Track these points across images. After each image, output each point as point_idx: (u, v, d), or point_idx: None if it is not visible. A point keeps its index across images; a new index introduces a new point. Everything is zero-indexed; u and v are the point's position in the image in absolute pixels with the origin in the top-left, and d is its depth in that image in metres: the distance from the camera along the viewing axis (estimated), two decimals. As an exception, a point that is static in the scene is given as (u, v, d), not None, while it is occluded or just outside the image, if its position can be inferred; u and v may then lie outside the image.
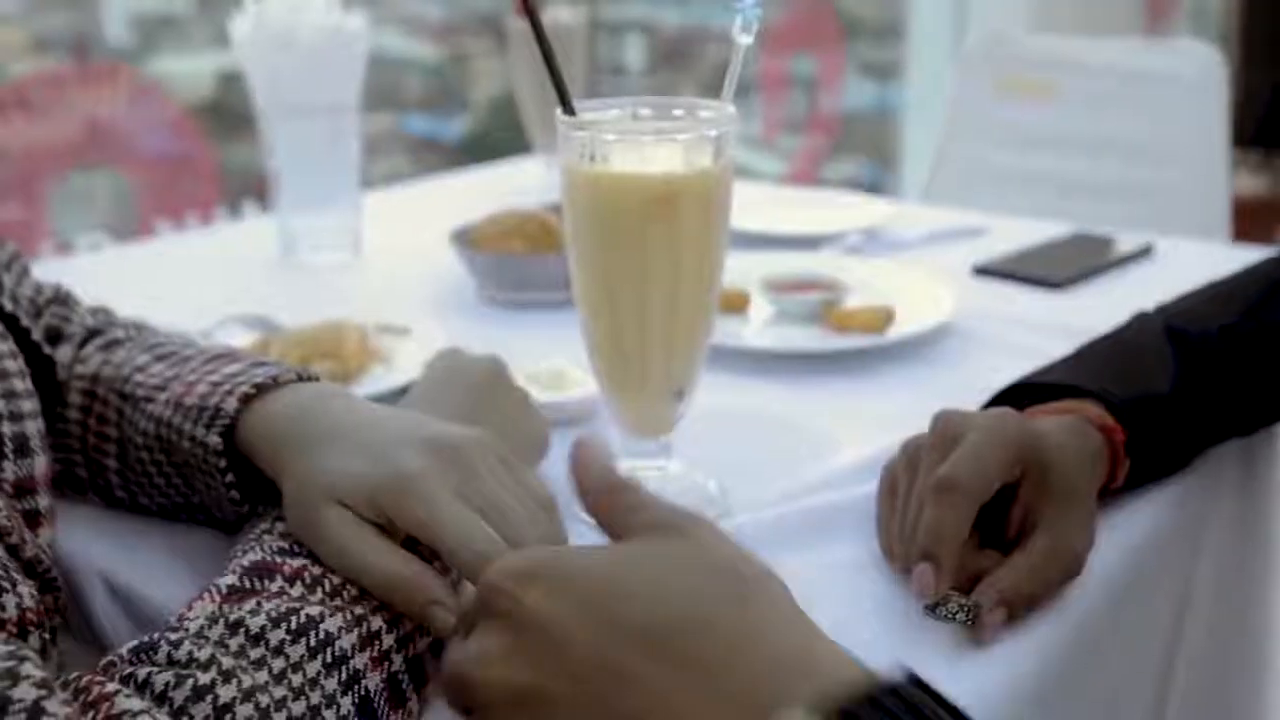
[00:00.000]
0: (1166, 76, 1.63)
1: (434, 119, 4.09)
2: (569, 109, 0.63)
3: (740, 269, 0.95)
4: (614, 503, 0.43)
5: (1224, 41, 3.15)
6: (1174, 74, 1.62)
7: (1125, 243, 1.12)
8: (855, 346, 0.87)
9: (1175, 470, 0.69)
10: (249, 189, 2.59)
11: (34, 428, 0.52)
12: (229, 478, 0.56)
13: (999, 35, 1.74)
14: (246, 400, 0.56)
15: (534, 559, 0.41)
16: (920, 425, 0.63)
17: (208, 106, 3.54)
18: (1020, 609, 0.56)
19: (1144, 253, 1.11)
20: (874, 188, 3.84)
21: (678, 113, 0.65)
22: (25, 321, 0.60)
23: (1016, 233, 1.16)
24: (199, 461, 0.57)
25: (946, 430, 0.59)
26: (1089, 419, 0.62)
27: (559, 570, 0.40)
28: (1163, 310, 0.73)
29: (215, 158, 2.99)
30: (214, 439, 0.55)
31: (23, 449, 0.51)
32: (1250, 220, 2.11)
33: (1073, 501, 0.58)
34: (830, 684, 0.36)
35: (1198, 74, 1.62)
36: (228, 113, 3.52)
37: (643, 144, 0.62)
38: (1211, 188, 1.61)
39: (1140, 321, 0.72)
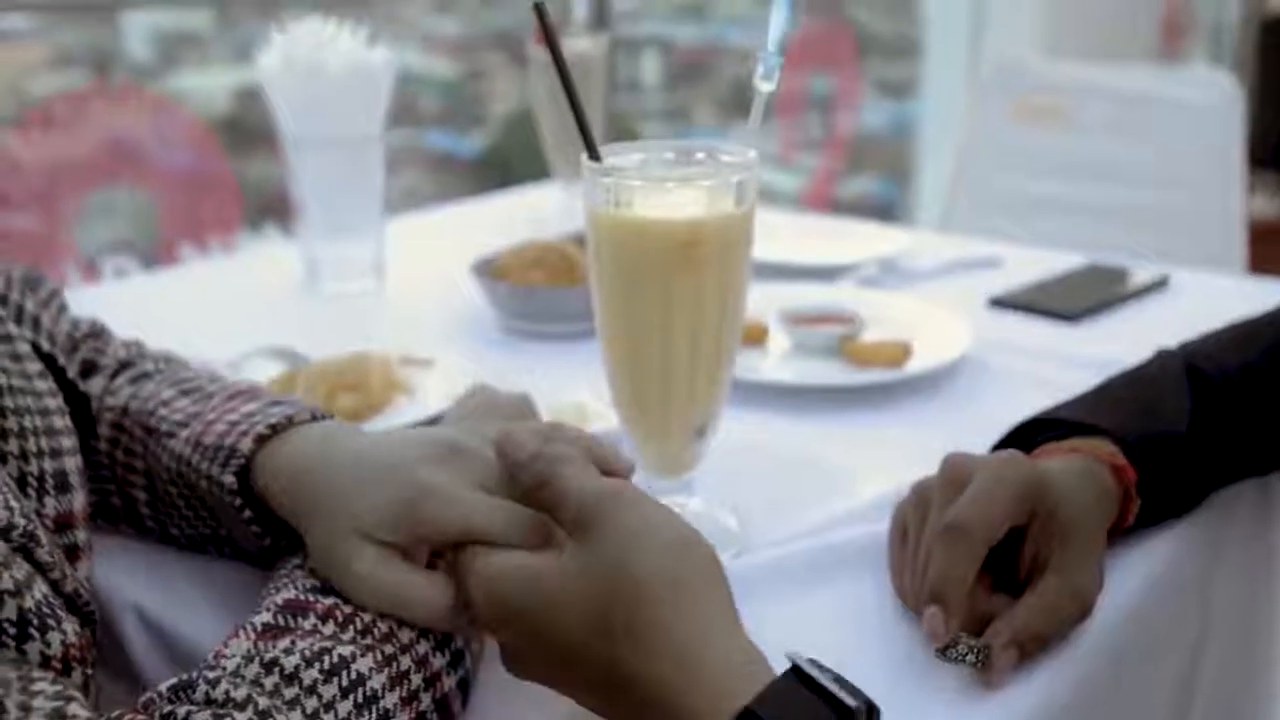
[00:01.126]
0: (1182, 103, 1.64)
1: (452, 135, 4.12)
2: (595, 155, 0.64)
3: (759, 301, 0.96)
4: (538, 502, 0.49)
5: (1240, 64, 3.15)
6: (1190, 101, 1.63)
7: (1140, 274, 1.12)
8: (873, 381, 0.88)
9: (1187, 510, 0.69)
10: (269, 205, 2.61)
11: (73, 464, 0.54)
12: (246, 514, 0.58)
13: (1014, 61, 1.75)
14: (260, 441, 0.57)
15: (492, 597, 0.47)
16: (936, 460, 0.64)
17: (226, 122, 3.57)
18: (1031, 650, 0.56)
19: (1159, 284, 1.11)
20: (890, 205, 3.85)
21: (700, 156, 0.67)
22: (62, 360, 0.62)
23: (1032, 263, 1.16)
24: (217, 500, 0.59)
25: (955, 473, 0.60)
26: (1100, 458, 0.63)
27: (504, 603, 0.47)
28: (1184, 348, 0.74)
29: (235, 173, 3.02)
30: (229, 479, 0.57)
31: (62, 485, 0.53)
32: (1266, 243, 2.11)
33: (1082, 542, 0.59)
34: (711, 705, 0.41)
35: (1214, 101, 1.62)
36: (246, 129, 3.55)
37: (666, 189, 0.63)
38: (1227, 213, 1.62)
39: (1161, 359, 0.73)
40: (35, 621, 0.42)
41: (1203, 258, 1.51)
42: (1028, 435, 0.68)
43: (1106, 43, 2.45)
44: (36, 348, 0.60)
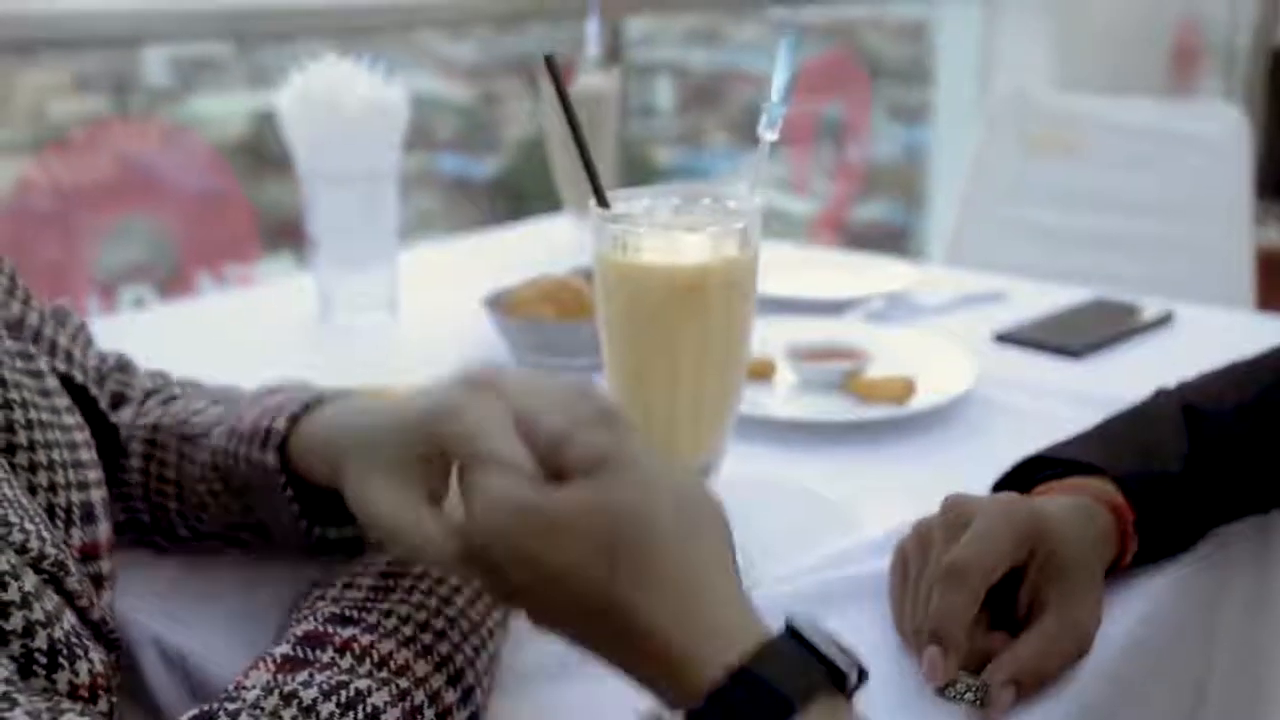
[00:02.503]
0: (1190, 135, 1.65)
1: (465, 159, 4.15)
2: (603, 202, 0.66)
3: (767, 335, 0.98)
4: (559, 461, 0.47)
5: (1250, 94, 3.16)
6: (1198, 132, 1.64)
7: (1145, 310, 1.13)
8: (877, 418, 0.89)
9: (1184, 549, 0.70)
10: (286, 229, 2.63)
11: (99, 495, 0.56)
12: (289, 492, 0.60)
13: (1022, 93, 1.76)
14: (294, 420, 0.59)
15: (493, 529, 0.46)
16: (939, 497, 0.65)
17: (244, 147, 3.61)
18: (1029, 688, 0.58)
19: (1164, 321, 1.12)
20: (903, 229, 3.86)
21: (705, 202, 0.68)
22: (94, 391, 0.64)
23: (1038, 298, 1.18)
24: (259, 482, 0.61)
25: (956, 514, 0.61)
26: (1099, 498, 0.64)
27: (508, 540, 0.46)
28: (1182, 387, 0.75)
29: (251, 196, 3.05)
30: (270, 458, 0.59)
31: (89, 516, 0.55)
32: (1276, 274, 2.11)
33: (1080, 581, 0.60)
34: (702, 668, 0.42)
35: (1221, 132, 1.64)
36: (263, 153, 3.59)
37: (671, 236, 0.64)
38: (1235, 246, 1.63)
39: (1159, 398, 0.74)
40: (65, 651, 0.44)
41: (1211, 289, 1.52)
42: (1027, 473, 0.69)
43: (1115, 74, 2.47)
44: (69, 380, 0.62)
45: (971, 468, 0.83)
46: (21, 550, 0.45)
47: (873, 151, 3.94)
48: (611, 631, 0.44)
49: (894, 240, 4.07)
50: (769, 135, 0.66)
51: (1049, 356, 1.04)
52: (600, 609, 0.44)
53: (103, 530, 0.55)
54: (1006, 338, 1.07)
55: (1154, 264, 1.62)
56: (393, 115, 1.06)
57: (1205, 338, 1.11)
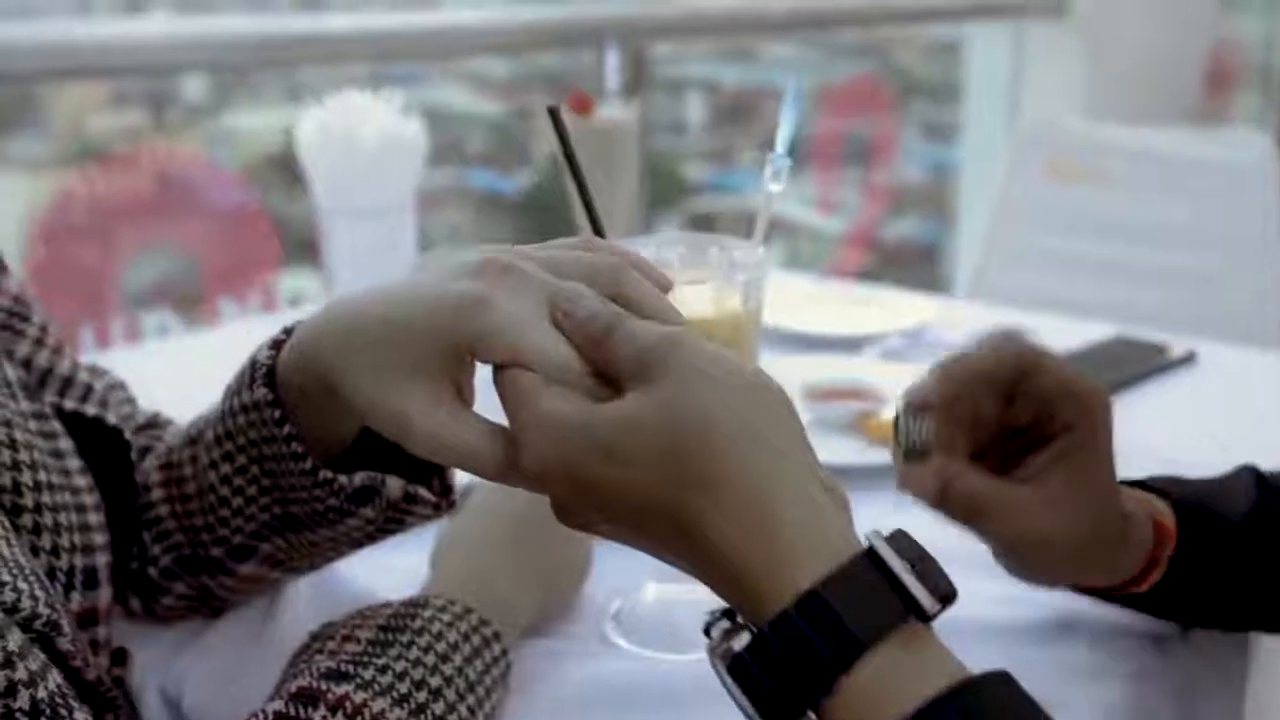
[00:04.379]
0: (1219, 163, 1.63)
1: (497, 174, 4.17)
2: (606, 254, 0.65)
3: (782, 373, 0.96)
4: (600, 356, 0.44)
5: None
6: (1227, 161, 1.63)
7: (1168, 349, 1.12)
8: (888, 463, 0.88)
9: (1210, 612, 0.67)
10: (313, 245, 2.65)
11: (103, 560, 0.56)
12: (286, 429, 0.54)
13: (1051, 121, 1.75)
14: (278, 346, 0.54)
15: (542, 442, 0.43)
16: (955, 543, 0.64)
17: (277, 160, 3.65)
18: (956, 509, 0.58)
19: (1187, 360, 1.11)
20: (934, 247, 3.84)
21: (711, 252, 0.68)
22: (127, 435, 0.63)
23: (1058, 335, 1.16)
24: (259, 433, 0.56)
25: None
26: (1151, 514, 0.62)
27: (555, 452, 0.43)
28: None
29: (284, 210, 3.08)
30: (260, 392, 0.54)
31: (91, 581, 0.54)
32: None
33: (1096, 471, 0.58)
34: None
35: (1251, 161, 1.62)
36: (297, 167, 3.63)
37: (673, 289, 0.64)
38: (1264, 275, 1.61)
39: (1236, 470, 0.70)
40: (48, 711, 0.43)
41: (1240, 321, 1.50)
42: None
43: (1147, 98, 2.45)
44: (100, 422, 0.61)
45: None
46: (11, 610, 0.45)
47: (903, 169, 3.93)
48: (682, 548, 0.42)
49: (924, 257, 4.05)
50: (774, 186, 0.65)
51: (1068, 397, 1.03)
52: (667, 526, 0.42)
53: (104, 596, 0.55)
54: (1025, 377, 1.06)
55: (1182, 295, 1.60)
56: (410, 150, 1.07)
57: (1229, 378, 1.09)
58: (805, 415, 0.95)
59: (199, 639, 0.67)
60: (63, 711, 0.44)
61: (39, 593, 0.47)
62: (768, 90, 4.38)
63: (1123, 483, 0.65)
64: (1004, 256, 1.71)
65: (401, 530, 0.61)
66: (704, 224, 4.28)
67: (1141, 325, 1.24)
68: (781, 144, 0.65)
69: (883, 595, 0.39)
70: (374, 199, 1.06)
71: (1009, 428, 0.61)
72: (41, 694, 0.43)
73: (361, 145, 1.04)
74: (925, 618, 0.40)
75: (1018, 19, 2.69)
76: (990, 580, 0.62)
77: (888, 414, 0.94)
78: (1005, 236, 1.73)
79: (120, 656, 0.58)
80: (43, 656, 0.45)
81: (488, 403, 0.48)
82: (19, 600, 0.45)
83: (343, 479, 0.56)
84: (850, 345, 1.13)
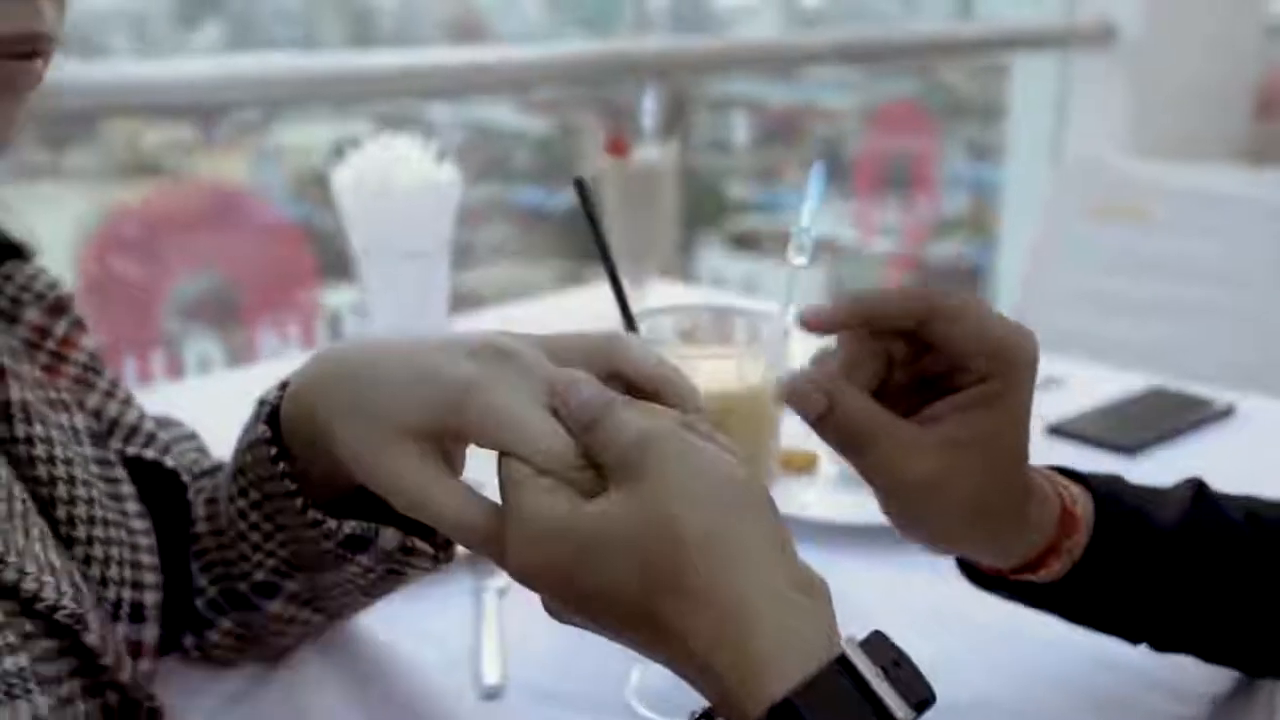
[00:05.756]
0: (1261, 203, 1.61)
1: (541, 190, 4.19)
2: (631, 325, 0.66)
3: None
4: (589, 444, 0.45)
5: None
6: (1269, 200, 1.60)
7: (1207, 402, 1.10)
8: (916, 521, 0.87)
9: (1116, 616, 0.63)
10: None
11: (152, 599, 0.58)
12: (281, 467, 0.54)
13: (1093, 159, 1.73)
14: (285, 386, 0.55)
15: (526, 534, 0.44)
16: (979, 608, 0.63)
17: (323, 176, 3.69)
18: (839, 432, 0.55)
19: (1226, 413, 1.09)
20: (979, 268, 3.82)
21: (737, 322, 0.68)
22: (184, 478, 0.65)
23: (1094, 385, 1.15)
24: (261, 468, 0.56)
25: None
26: (1061, 497, 0.59)
27: (533, 540, 0.44)
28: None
29: (328, 225, 3.11)
30: (260, 429, 0.55)
31: (137, 614, 0.56)
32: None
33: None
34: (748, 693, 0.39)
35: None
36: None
37: (695, 365, 0.64)
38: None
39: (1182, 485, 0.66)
40: (3, 687, 0.44)
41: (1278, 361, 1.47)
42: None
43: (1194, 132, 2.42)
44: (158, 466, 0.63)
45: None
46: (33, 599, 0.46)
47: (947, 189, 3.90)
48: (661, 650, 0.43)
49: (968, 279, 4.02)
50: (799, 259, 0.65)
51: (1102, 453, 1.02)
52: (645, 629, 0.42)
53: (149, 632, 0.57)
54: (1059, 431, 1.05)
55: (1221, 332, 1.58)
56: (444, 195, 1.08)
57: (1268, 433, 1.08)
58: (835, 470, 0.95)
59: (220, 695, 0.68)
60: (17, 692, 0.44)
61: (66, 588, 0.48)
62: (812, 109, 4.37)
63: (1051, 468, 0.62)
64: (1044, 296, 1.70)
65: (404, 581, 0.61)
66: (746, 242, 4.27)
67: (1181, 364, 1.23)
68: (806, 218, 0.65)
69: (854, 704, 0.39)
70: (409, 243, 1.07)
71: (920, 375, 0.57)
72: (8, 665, 0.44)
73: (397, 190, 1.06)
74: None
75: (1063, 49, 2.67)
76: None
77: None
78: (1045, 276, 1.71)
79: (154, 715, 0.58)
80: (24, 628, 0.46)
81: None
82: (40, 590, 0.47)
83: (332, 523, 0.56)
84: (882, 394, 1.12)
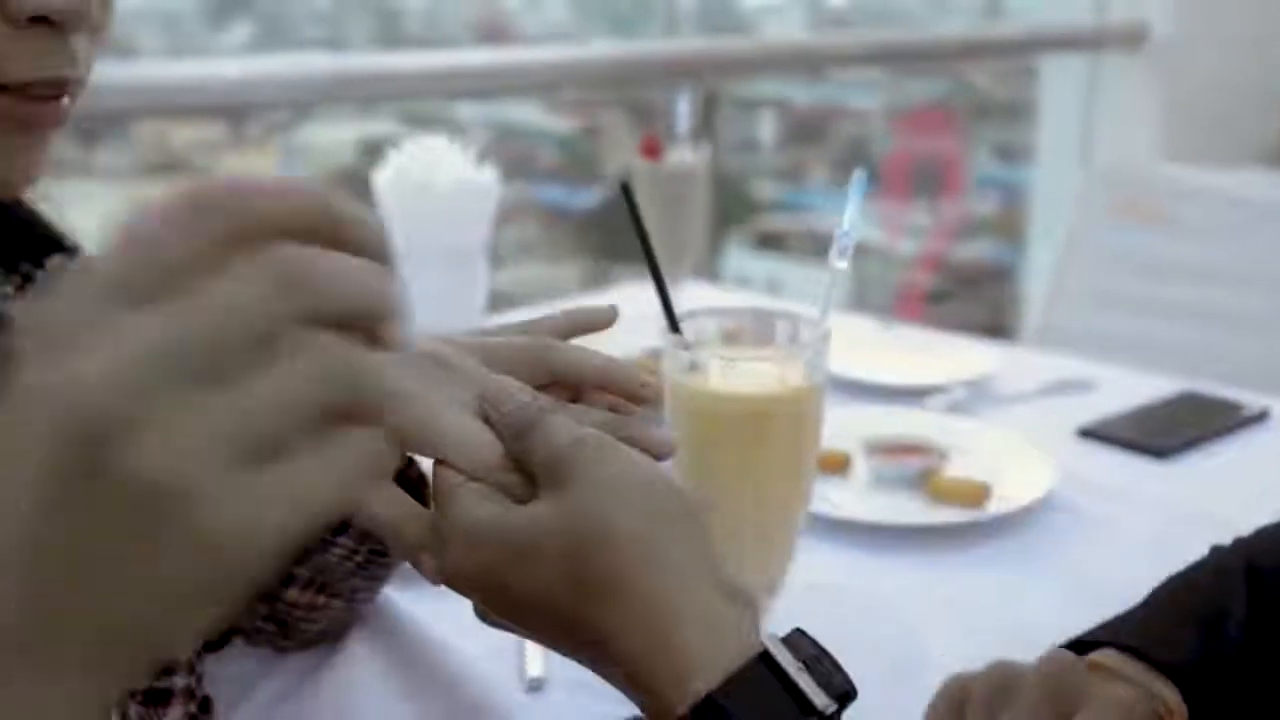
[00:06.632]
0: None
1: (566, 189, 4.21)
2: (675, 327, 0.67)
3: (843, 425, 0.98)
4: (519, 451, 0.46)
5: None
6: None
7: (1240, 406, 1.11)
8: (951, 522, 0.88)
9: None
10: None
11: None
12: None
13: (1122, 163, 1.73)
14: None
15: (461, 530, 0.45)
16: (1014, 613, 0.63)
17: (350, 174, 3.72)
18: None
19: (1259, 418, 1.10)
20: (1005, 268, 3.81)
21: (778, 325, 0.69)
22: None
23: (1127, 389, 1.15)
24: None
25: (998, 684, 0.57)
26: (1152, 696, 0.59)
27: (471, 541, 0.45)
28: (1244, 543, 0.69)
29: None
30: None
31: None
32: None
33: None
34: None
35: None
36: (368, 179, 3.70)
37: (741, 366, 0.66)
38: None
39: (1218, 558, 0.68)
40: None
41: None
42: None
43: (1223, 135, 2.41)
44: None
45: (1044, 579, 0.83)
46: None
47: (974, 189, 3.90)
48: (589, 653, 0.44)
49: (995, 278, 4.01)
50: (840, 263, 0.66)
51: (1135, 456, 1.02)
52: (574, 633, 0.44)
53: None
54: (1091, 433, 1.05)
55: (1254, 340, 1.58)
56: (483, 196, 1.09)
57: (1302, 438, 1.08)
58: (867, 471, 0.96)
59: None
60: None
61: None
62: (839, 108, 4.37)
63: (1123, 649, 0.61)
64: (1072, 299, 1.70)
65: (393, 563, 0.62)
66: (773, 242, 4.27)
67: (1209, 367, 1.23)
68: (848, 222, 0.66)
69: (777, 697, 0.40)
70: (448, 244, 1.08)
71: None
72: None
73: (437, 191, 1.07)
74: (822, 717, 0.40)
75: (1094, 51, 2.66)
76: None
77: (951, 472, 0.95)
78: (1074, 279, 1.71)
79: (206, 705, 0.60)
80: None
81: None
82: None
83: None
84: (913, 396, 1.13)
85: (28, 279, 0.60)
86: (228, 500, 0.27)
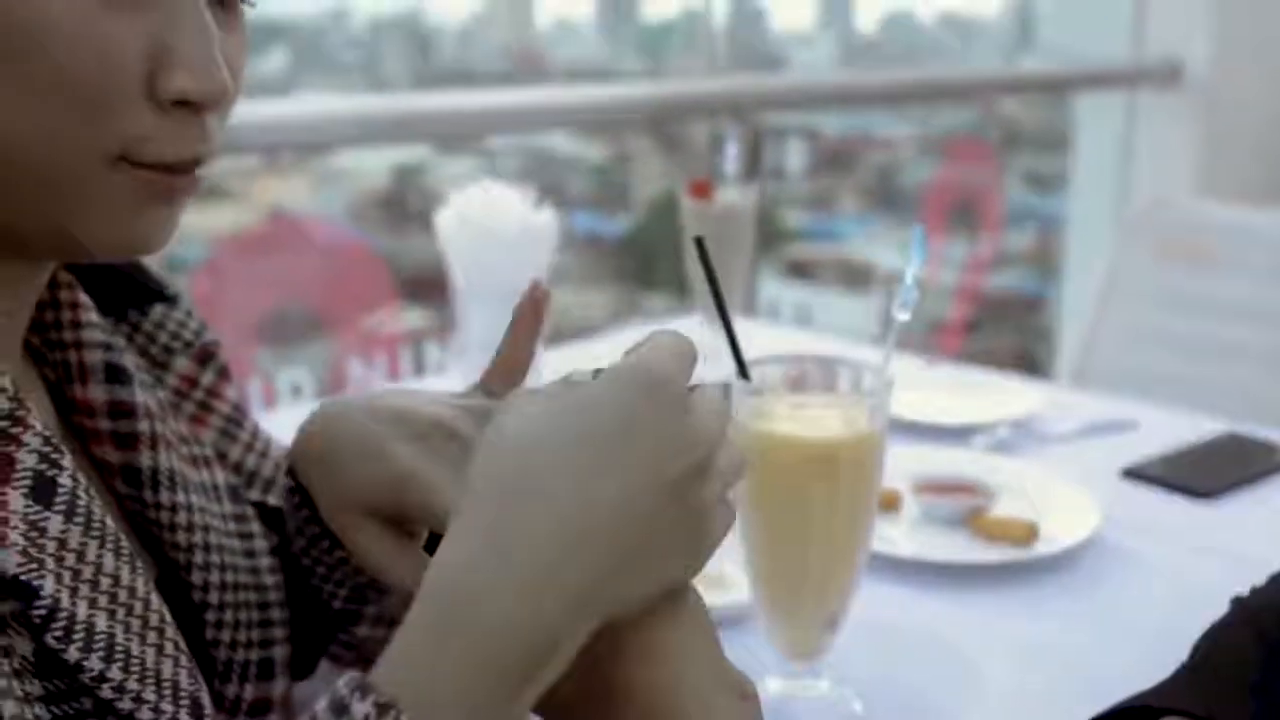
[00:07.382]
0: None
1: (598, 216, 4.25)
2: (745, 374, 0.70)
3: (891, 463, 1.00)
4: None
5: None
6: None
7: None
8: (1000, 560, 0.91)
9: None
10: (423, 282, 2.74)
11: (281, 653, 0.59)
12: (304, 513, 0.58)
13: (1163, 200, 1.75)
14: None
15: None
16: (1061, 652, 0.63)
17: (384, 198, 3.77)
18: None
19: (1300, 459, 1.11)
20: (1039, 299, 3.82)
21: (841, 372, 0.72)
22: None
23: (1170, 429, 1.17)
24: (289, 508, 0.60)
25: None
26: None
27: None
28: (1259, 599, 0.67)
29: (389, 248, 3.18)
30: (285, 480, 0.59)
31: (266, 673, 0.58)
32: None
33: None
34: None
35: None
36: (403, 204, 3.75)
37: (807, 413, 0.68)
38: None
39: (1243, 613, 0.67)
40: None
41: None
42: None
43: (1262, 171, 2.42)
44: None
45: (1090, 619, 0.85)
46: (127, 717, 0.46)
47: (1010, 221, 3.91)
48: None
49: (1029, 309, 4.02)
50: (902, 315, 0.69)
51: (1179, 497, 1.04)
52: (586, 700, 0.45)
53: (278, 686, 0.59)
54: (1135, 474, 1.08)
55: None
56: (543, 239, 1.13)
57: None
58: (917, 509, 0.98)
59: None
60: None
61: (166, 706, 0.48)
62: (869, 138, 4.40)
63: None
64: (1113, 337, 1.71)
65: None
66: (802, 270, 4.30)
67: (1250, 408, 1.25)
68: (910, 276, 0.69)
69: None
70: (508, 284, 1.11)
71: None
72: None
73: (497, 232, 1.11)
74: None
75: (1130, 88, 2.68)
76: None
77: (997, 510, 0.97)
78: (1113, 317, 1.73)
79: None
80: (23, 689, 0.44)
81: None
82: (136, 711, 0.46)
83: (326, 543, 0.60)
84: (959, 435, 1.16)
85: (136, 328, 0.62)
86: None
